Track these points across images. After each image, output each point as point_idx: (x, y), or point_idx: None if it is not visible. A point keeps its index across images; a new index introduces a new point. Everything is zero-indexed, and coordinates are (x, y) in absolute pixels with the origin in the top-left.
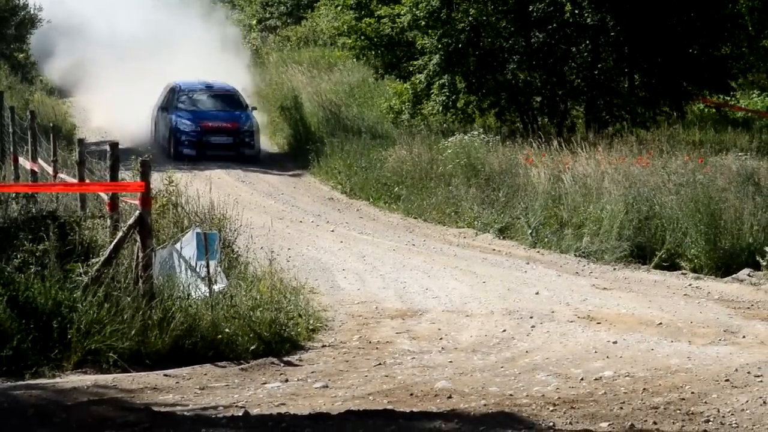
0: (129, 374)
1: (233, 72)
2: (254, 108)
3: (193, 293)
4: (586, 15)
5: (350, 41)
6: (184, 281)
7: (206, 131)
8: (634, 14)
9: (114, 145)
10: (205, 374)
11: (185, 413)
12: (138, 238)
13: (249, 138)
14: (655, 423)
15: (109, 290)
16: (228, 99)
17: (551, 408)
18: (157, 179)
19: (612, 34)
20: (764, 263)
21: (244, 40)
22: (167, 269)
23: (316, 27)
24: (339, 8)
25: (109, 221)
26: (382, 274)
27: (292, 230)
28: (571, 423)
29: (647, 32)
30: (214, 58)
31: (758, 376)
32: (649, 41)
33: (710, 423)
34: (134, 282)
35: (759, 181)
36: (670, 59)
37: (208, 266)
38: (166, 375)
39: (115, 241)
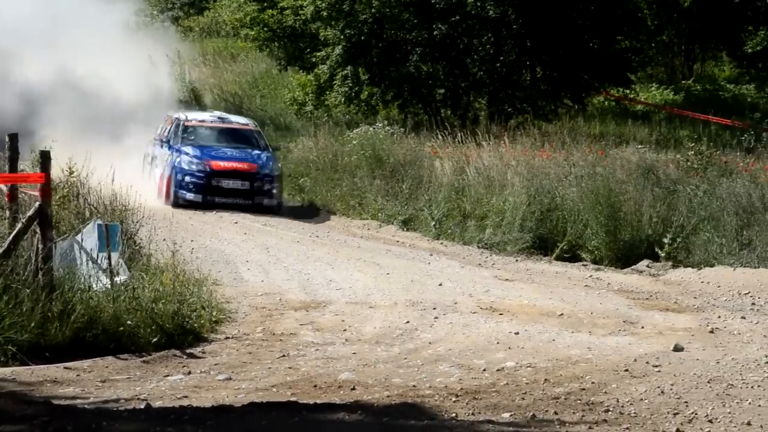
0: (28, 367)
1: (133, 64)
2: (276, 148)
3: (94, 285)
4: (488, 8)
5: (253, 32)
6: (85, 273)
7: (216, 173)
8: (536, 7)
9: (12, 136)
10: (107, 367)
11: (86, 406)
12: (38, 230)
13: (269, 185)
14: (556, 413)
15: (8, 282)
16: (245, 136)
17: (454, 399)
18: (57, 169)
19: (514, 27)
20: (662, 254)
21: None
22: (68, 261)
23: (218, 18)
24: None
25: (8, 212)
26: (285, 266)
27: (195, 222)
28: (473, 413)
29: (549, 25)
30: (115, 48)
31: (656, 366)
32: (550, 34)
33: (609, 412)
34: (34, 274)
35: (657, 173)
36: (571, 52)
37: (109, 258)
38: (66, 368)
39: (14, 232)
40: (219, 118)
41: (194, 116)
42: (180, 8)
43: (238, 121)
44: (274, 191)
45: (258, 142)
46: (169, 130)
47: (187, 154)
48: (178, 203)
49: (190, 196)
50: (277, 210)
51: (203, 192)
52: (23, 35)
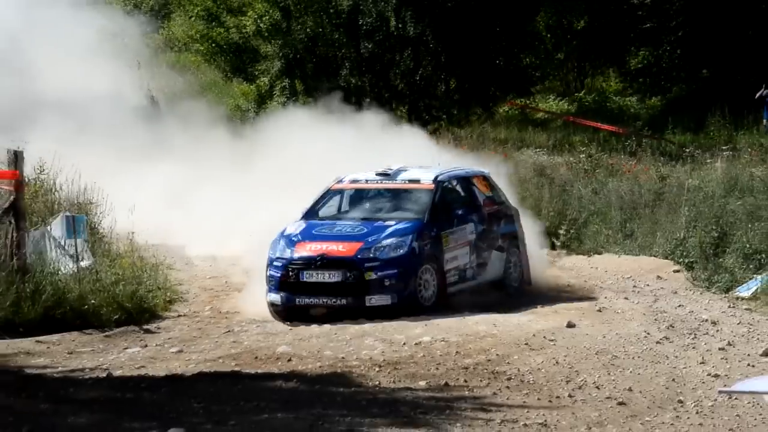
0: (3, 341)
1: (96, 74)
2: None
3: (62, 269)
4: (408, 28)
5: (202, 47)
6: (54, 259)
7: (297, 261)
8: (450, 28)
9: None
10: (73, 341)
11: (55, 375)
12: (12, 220)
13: (376, 273)
14: (465, 381)
15: None
16: (411, 201)
17: (377, 369)
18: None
19: (431, 45)
20: (558, 243)
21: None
22: (39, 248)
23: (171, 35)
24: (192, 18)
25: None
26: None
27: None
28: (394, 382)
29: (461, 44)
30: (84, 62)
31: (552, 340)
32: (462, 52)
33: (512, 380)
34: (9, 259)
35: (551, 173)
36: (480, 67)
37: (75, 245)
38: (37, 341)
39: None
40: (383, 174)
41: (353, 176)
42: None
43: (410, 177)
44: (387, 283)
45: (426, 209)
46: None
47: (283, 233)
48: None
49: (271, 296)
50: (399, 310)
51: (283, 289)
52: None
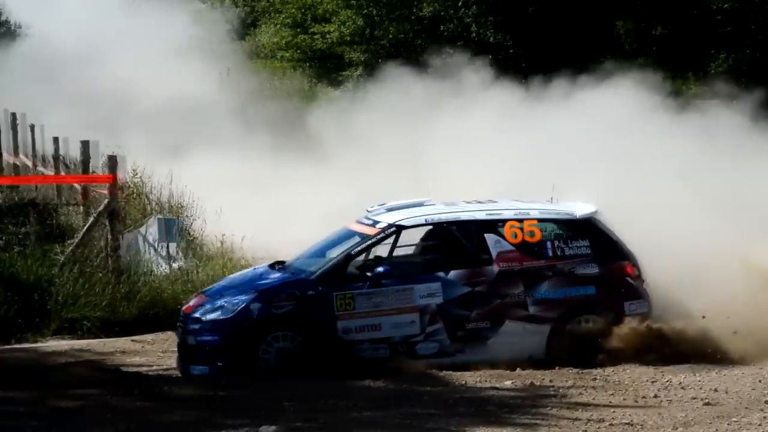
0: (101, 340)
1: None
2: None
3: (155, 270)
4: (488, 34)
5: (288, 54)
6: (147, 260)
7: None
8: (530, 34)
9: (84, 143)
10: (167, 340)
11: (149, 373)
12: (107, 223)
13: (198, 338)
14: (551, 381)
15: (83, 268)
16: (343, 245)
17: (464, 369)
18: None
19: (511, 51)
20: None
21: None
22: (133, 250)
23: (258, 42)
24: (278, 26)
25: (81, 208)
26: None
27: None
28: (480, 381)
29: (541, 49)
30: (175, 67)
31: None
32: (542, 57)
33: (597, 380)
34: (105, 260)
35: None
36: (560, 73)
37: (168, 247)
38: (133, 340)
39: (88, 225)
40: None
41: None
42: (226, 33)
43: (381, 218)
44: (207, 351)
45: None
46: None
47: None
48: None
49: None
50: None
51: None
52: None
